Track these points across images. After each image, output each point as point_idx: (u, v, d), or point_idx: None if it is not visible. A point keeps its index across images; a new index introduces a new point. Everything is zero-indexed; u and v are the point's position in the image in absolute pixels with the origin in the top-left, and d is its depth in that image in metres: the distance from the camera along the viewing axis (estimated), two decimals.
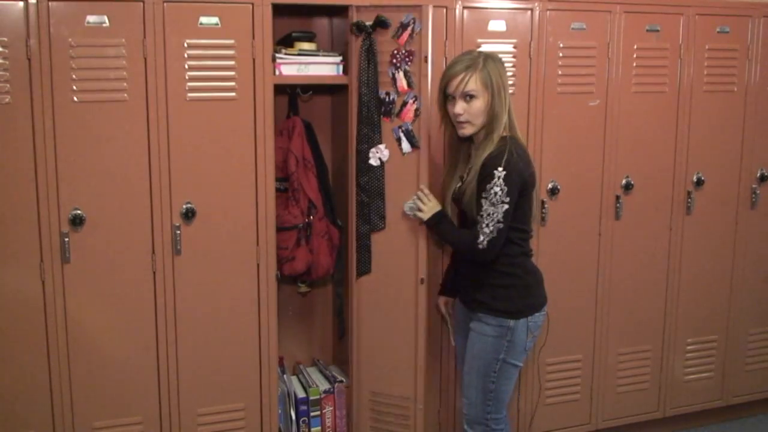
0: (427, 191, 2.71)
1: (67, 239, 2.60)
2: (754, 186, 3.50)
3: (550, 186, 3.15)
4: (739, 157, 3.46)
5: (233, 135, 2.74)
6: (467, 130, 2.52)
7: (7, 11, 2.47)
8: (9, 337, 2.61)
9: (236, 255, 2.80)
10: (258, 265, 2.83)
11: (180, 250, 2.72)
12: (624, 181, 3.27)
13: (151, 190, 2.67)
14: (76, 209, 2.60)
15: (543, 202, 3.14)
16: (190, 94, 2.67)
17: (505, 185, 2.41)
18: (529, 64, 3.04)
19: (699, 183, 3.38)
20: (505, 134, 2.50)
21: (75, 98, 2.56)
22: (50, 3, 2.49)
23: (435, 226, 2.66)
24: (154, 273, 2.72)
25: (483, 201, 2.43)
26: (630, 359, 3.43)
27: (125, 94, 2.60)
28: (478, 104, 2.48)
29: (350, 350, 3.02)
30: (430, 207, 2.67)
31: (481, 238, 2.45)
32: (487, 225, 2.43)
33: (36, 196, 2.56)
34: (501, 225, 2.44)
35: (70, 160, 2.58)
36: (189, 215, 2.71)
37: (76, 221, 2.60)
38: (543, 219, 3.16)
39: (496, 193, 2.41)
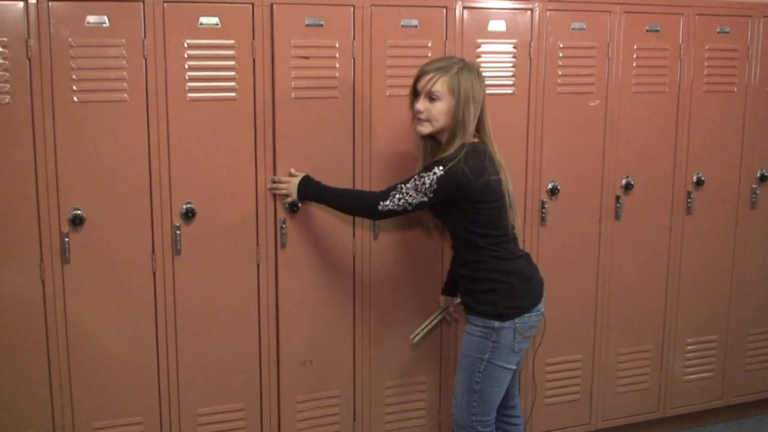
0: (276, 177, 2.75)
1: (67, 239, 2.60)
2: (754, 186, 3.50)
3: (550, 186, 3.15)
4: (739, 157, 3.46)
5: (233, 135, 2.74)
6: (425, 129, 2.55)
7: (7, 11, 2.47)
8: (9, 337, 2.61)
9: (236, 255, 2.80)
10: (258, 265, 2.83)
11: (180, 250, 2.72)
12: (624, 181, 3.27)
13: (151, 190, 2.67)
14: (76, 209, 2.61)
15: (543, 202, 3.14)
16: (190, 94, 2.67)
17: (436, 183, 2.44)
18: (529, 64, 3.04)
19: (699, 183, 3.38)
20: (474, 140, 2.52)
21: (75, 98, 2.56)
22: (50, 3, 2.49)
23: (310, 192, 2.67)
24: (154, 273, 2.72)
25: (412, 179, 2.48)
26: (630, 359, 3.43)
27: (125, 94, 2.60)
28: (440, 106, 2.50)
29: (350, 350, 3.03)
30: (291, 184, 2.70)
31: (387, 202, 2.50)
32: (399, 198, 2.49)
33: (36, 197, 2.56)
34: (409, 208, 2.50)
35: (70, 160, 2.58)
36: (189, 215, 2.71)
37: (76, 221, 2.60)
38: (543, 219, 3.16)
39: (424, 183, 2.45)
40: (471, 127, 2.50)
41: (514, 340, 2.55)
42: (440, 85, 2.49)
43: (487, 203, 2.49)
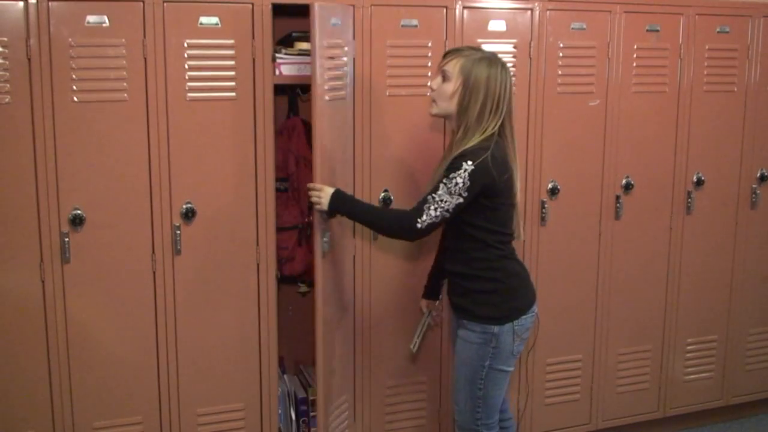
0: (311, 185, 2.57)
1: (67, 239, 2.60)
2: (754, 186, 3.50)
3: (550, 186, 3.15)
4: (739, 157, 3.46)
5: (233, 135, 2.74)
6: (433, 109, 2.50)
7: (7, 11, 2.47)
8: (9, 337, 2.61)
9: (236, 255, 2.80)
10: (258, 265, 2.83)
11: (180, 250, 2.72)
12: (624, 181, 3.27)
13: (151, 190, 2.67)
14: (76, 209, 2.61)
15: (543, 202, 3.14)
16: (190, 94, 2.67)
17: (468, 180, 2.33)
18: (529, 64, 3.04)
19: (699, 183, 3.38)
20: (491, 133, 2.42)
21: (75, 98, 2.56)
22: (50, 3, 2.49)
23: (341, 206, 2.51)
24: (154, 273, 2.72)
25: (441, 185, 2.35)
26: (630, 359, 3.43)
27: (125, 94, 2.60)
28: (447, 87, 2.42)
29: (351, 350, 3.03)
30: (324, 193, 2.52)
31: (424, 217, 2.36)
32: (435, 209, 2.36)
33: (36, 196, 2.56)
34: (447, 215, 2.37)
35: (70, 160, 2.58)
36: (189, 215, 2.71)
37: (76, 221, 2.60)
38: (543, 219, 3.16)
39: (456, 184, 2.34)
40: (483, 120, 2.40)
41: (513, 344, 2.50)
42: (451, 66, 2.42)
43: (504, 199, 2.44)
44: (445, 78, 2.45)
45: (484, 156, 2.35)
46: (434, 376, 3.14)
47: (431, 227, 2.39)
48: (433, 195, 2.37)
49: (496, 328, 2.47)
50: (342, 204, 2.52)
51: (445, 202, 2.36)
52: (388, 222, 2.48)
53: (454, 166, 2.36)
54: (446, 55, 2.49)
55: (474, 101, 2.39)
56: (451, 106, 2.44)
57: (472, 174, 2.34)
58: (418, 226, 2.38)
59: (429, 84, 2.53)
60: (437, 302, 2.86)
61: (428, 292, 2.85)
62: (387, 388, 3.08)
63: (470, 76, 2.39)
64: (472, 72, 2.39)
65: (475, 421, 2.57)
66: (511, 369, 2.58)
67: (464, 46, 2.52)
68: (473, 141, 2.40)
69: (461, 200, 2.36)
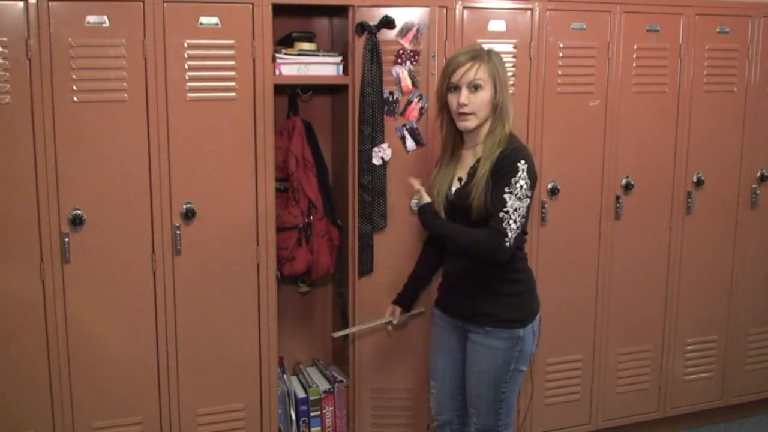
0: (418, 186, 2.58)
1: (67, 239, 2.60)
2: (754, 186, 3.50)
3: (550, 186, 3.15)
4: (739, 157, 3.46)
5: (233, 135, 2.74)
6: (471, 123, 2.40)
7: (7, 11, 2.47)
8: (9, 337, 2.61)
9: (236, 255, 2.80)
10: (258, 265, 2.83)
11: (180, 250, 2.72)
12: (624, 181, 3.27)
13: (151, 190, 2.68)
14: (76, 209, 2.61)
15: (543, 202, 3.14)
16: (190, 94, 2.67)
17: (528, 179, 2.32)
18: (529, 64, 3.04)
19: (699, 183, 3.38)
20: (510, 131, 2.42)
21: (75, 98, 2.56)
22: (50, 3, 2.49)
23: (430, 221, 2.50)
24: (154, 273, 2.72)
25: (507, 196, 2.30)
26: (630, 359, 3.43)
27: (125, 94, 2.60)
28: (484, 95, 2.38)
29: (351, 349, 3.03)
30: (420, 199, 2.55)
31: (510, 235, 2.29)
32: (514, 221, 2.29)
33: (36, 196, 2.57)
34: (524, 220, 2.34)
35: (70, 160, 2.58)
36: (189, 215, 2.72)
37: (76, 221, 2.60)
38: (543, 219, 3.16)
39: (521, 187, 2.30)
40: (511, 113, 2.42)
41: (533, 344, 2.51)
42: (482, 73, 2.37)
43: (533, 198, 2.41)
44: (477, 88, 2.38)
45: (527, 151, 2.37)
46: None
47: (516, 241, 2.34)
48: (506, 210, 2.30)
49: (521, 331, 2.45)
50: (423, 216, 2.52)
51: (519, 209, 2.32)
52: (473, 245, 2.38)
53: (508, 169, 2.32)
54: (459, 66, 2.39)
55: (506, 96, 2.43)
56: (488, 112, 2.42)
57: (528, 171, 2.34)
58: (507, 245, 2.31)
59: (460, 101, 2.37)
60: (405, 315, 2.77)
61: (402, 298, 2.75)
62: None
63: (498, 76, 2.41)
64: (498, 71, 2.41)
65: (497, 422, 2.55)
66: (526, 368, 2.58)
67: (468, 50, 2.44)
68: (504, 133, 2.40)
69: (529, 200, 2.35)
